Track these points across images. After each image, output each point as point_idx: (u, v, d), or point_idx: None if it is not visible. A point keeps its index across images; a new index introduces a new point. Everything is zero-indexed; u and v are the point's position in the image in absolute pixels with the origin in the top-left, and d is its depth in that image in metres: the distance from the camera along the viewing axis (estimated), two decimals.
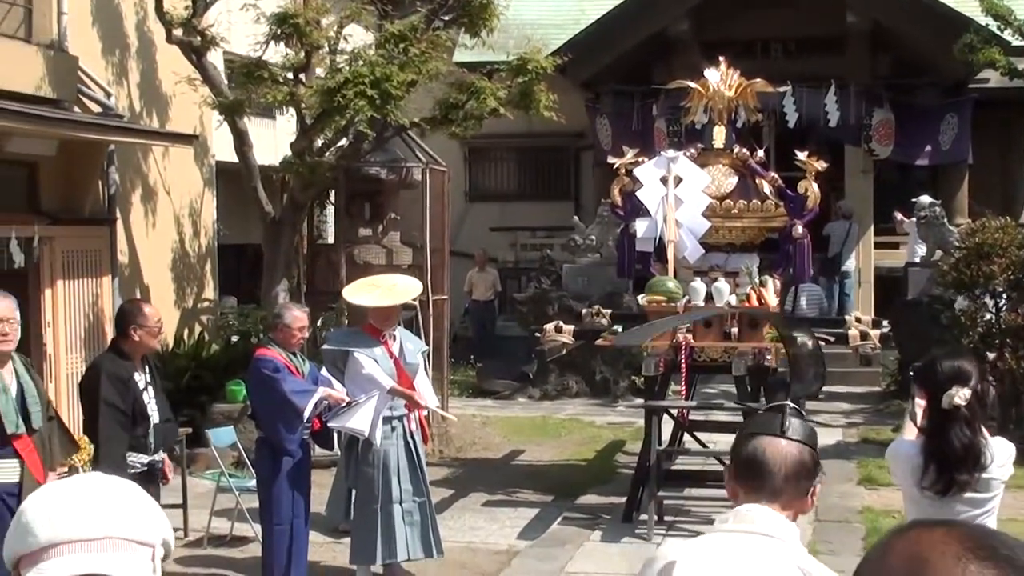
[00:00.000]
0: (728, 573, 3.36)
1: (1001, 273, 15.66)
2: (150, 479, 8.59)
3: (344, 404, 9.52)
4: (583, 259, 21.72)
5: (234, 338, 16.51)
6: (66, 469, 7.75)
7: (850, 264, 22.53)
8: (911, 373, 6.11)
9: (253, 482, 10.58)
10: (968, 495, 5.51)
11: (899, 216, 21.82)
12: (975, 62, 19.69)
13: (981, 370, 5.68)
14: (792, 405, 3.73)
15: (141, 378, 8.55)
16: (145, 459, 8.52)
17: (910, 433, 5.74)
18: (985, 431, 5.60)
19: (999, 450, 5.61)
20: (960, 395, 5.38)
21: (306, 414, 9.29)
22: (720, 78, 13.05)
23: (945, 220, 20.62)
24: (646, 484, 11.98)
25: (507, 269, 25.18)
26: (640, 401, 15.62)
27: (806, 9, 22.53)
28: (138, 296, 15.59)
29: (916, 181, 23.77)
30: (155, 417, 8.60)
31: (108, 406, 8.26)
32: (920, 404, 5.61)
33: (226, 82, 15.74)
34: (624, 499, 12.39)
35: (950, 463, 5.45)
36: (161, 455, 8.76)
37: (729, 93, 13.01)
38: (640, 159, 13.02)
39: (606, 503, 12.95)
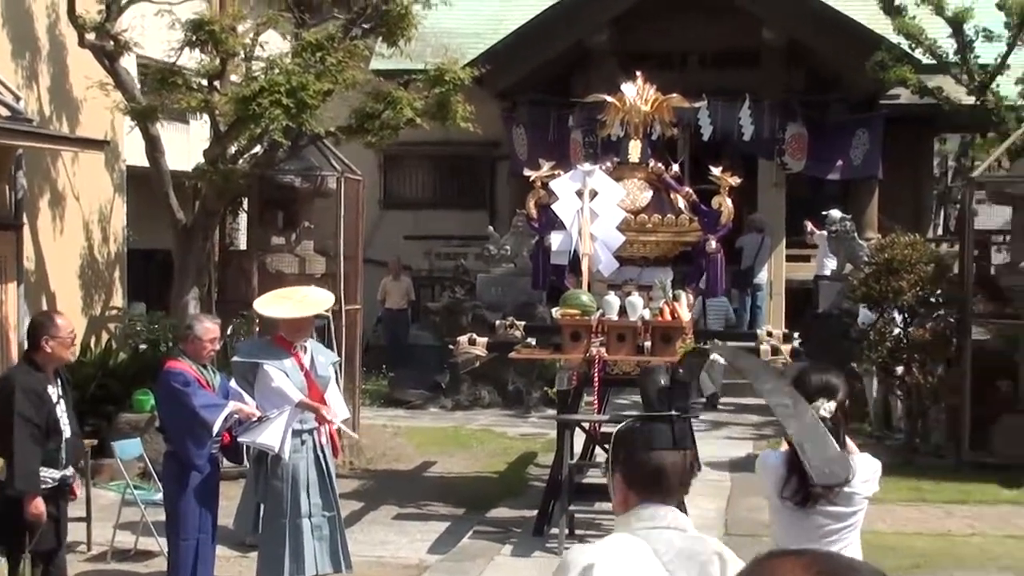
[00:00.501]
0: (652, 569, 3.63)
1: (909, 289, 15.85)
2: (60, 494, 8.51)
3: (255, 419, 9.42)
4: (497, 269, 21.69)
5: (142, 346, 16.26)
6: None
7: (762, 277, 22.67)
8: None
9: (159, 495, 10.44)
10: (829, 508, 5.62)
11: (810, 227, 21.97)
12: (886, 79, 19.95)
13: (850, 385, 5.80)
14: (677, 414, 4.05)
15: (54, 391, 8.42)
16: (57, 474, 8.39)
17: (783, 446, 5.87)
18: (852, 445, 5.75)
19: (863, 465, 5.73)
20: (825, 408, 5.49)
21: (215, 429, 9.18)
22: (636, 92, 13.07)
23: (855, 234, 20.87)
24: (557, 497, 11.96)
25: (421, 278, 25.12)
26: (553, 412, 15.61)
27: (723, 23, 22.68)
28: (44, 303, 15.39)
29: (827, 195, 23.98)
30: (67, 431, 8.48)
31: (22, 420, 8.10)
32: None
33: (139, 87, 15.56)
34: (535, 512, 12.37)
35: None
36: (71, 470, 8.65)
37: (645, 108, 13.04)
38: (556, 172, 13.00)
39: (517, 516, 12.92)
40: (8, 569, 8.35)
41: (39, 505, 8.13)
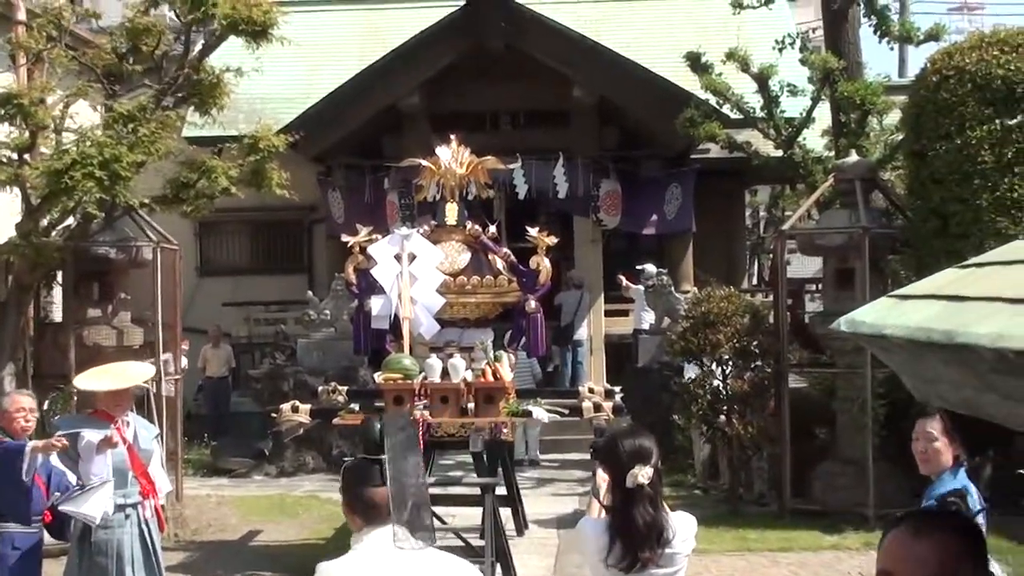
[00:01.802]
0: None
1: (727, 341, 16.12)
2: None
3: (77, 487, 9.27)
4: (318, 333, 21.61)
5: None
6: None
7: (582, 332, 22.81)
8: (592, 450, 6.27)
9: None
10: (654, 571, 5.65)
11: (624, 281, 22.18)
12: (696, 135, 20.30)
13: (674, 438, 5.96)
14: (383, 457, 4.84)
15: None
16: None
17: (594, 511, 5.87)
18: (666, 506, 5.78)
19: (681, 525, 5.77)
20: (643, 473, 5.55)
21: (25, 466, 9.09)
22: (451, 155, 13.20)
23: (672, 288, 21.21)
24: None
25: (241, 344, 24.87)
26: None
27: (534, 83, 22.86)
28: None
29: (643, 250, 24.35)
30: None
31: None
32: (603, 481, 5.75)
33: None
34: None
35: (635, 540, 5.59)
36: None
37: (460, 170, 13.16)
38: (374, 236, 13.05)
39: None
40: None
41: None
